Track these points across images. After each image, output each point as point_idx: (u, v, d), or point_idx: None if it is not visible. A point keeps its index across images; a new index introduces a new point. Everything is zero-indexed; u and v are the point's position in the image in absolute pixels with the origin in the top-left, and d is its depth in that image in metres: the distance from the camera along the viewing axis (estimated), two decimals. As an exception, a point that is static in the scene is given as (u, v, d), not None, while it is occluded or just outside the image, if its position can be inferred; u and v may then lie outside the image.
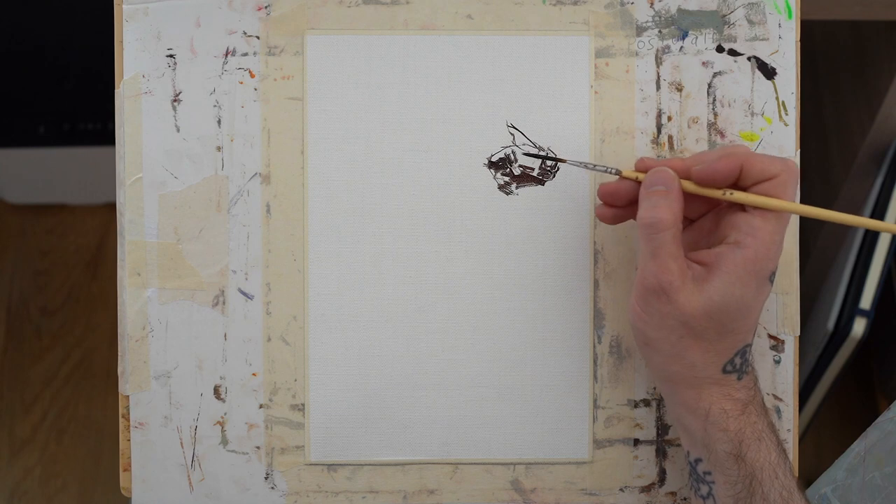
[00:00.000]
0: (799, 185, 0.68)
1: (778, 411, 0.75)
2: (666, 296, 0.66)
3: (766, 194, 0.67)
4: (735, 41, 0.73)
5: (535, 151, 0.73)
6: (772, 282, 0.67)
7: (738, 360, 0.68)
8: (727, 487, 0.67)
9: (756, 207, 0.66)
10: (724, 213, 0.69)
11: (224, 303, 0.74)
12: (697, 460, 0.69)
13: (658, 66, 0.73)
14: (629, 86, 0.73)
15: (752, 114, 0.73)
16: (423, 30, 0.73)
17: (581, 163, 0.71)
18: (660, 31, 0.73)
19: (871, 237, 1.17)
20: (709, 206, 0.70)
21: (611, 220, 0.70)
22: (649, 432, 0.75)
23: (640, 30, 0.73)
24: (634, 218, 0.68)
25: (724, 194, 0.67)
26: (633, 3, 0.73)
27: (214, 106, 0.73)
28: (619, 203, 0.70)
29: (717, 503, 0.68)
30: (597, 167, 0.70)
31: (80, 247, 1.63)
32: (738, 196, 0.67)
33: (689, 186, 0.68)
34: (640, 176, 0.68)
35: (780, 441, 0.69)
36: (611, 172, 0.70)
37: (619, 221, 0.71)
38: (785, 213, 0.67)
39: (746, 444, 0.67)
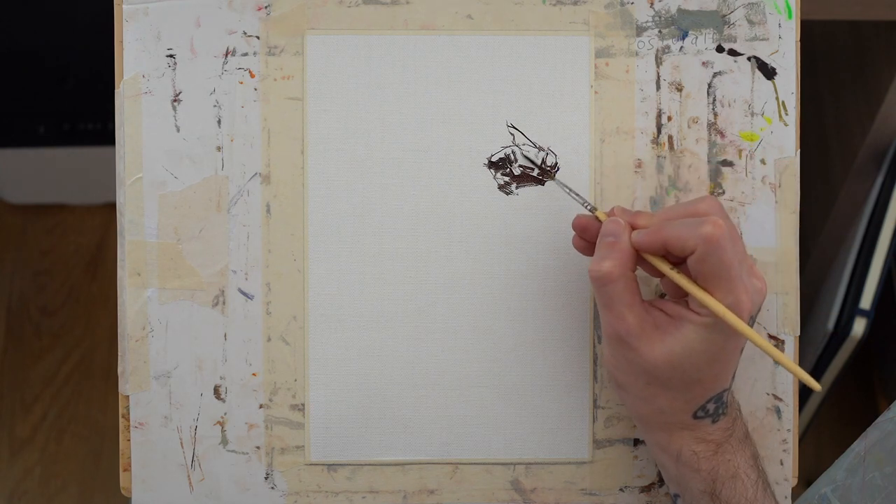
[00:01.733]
0: (730, 242, 0.64)
1: (778, 411, 0.74)
2: (626, 344, 0.66)
3: (693, 269, 0.65)
4: (735, 41, 0.73)
5: (534, 153, 0.73)
6: (752, 323, 0.66)
7: (710, 406, 0.67)
8: None
9: (695, 295, 0.65)
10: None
11: (224, 303, 0.74)
12: (676, 495, 0.70)
13: (658, 66, 0.73)
14: (629, 86, 0.73)
15: (752, 114, 0.73)
16: (423, 30, 0.73)
17: (566, 186, 0.71)
18: (660, 31, 0.73)
19: (871, 237, 1.17)
20: None
21: (585, 252, 0.70)
22: (649, 432, 0.75)
23: (640, 30, 0.73)
24: None
25: (671, 269, 0.66)
26: (633, 3, 0.73)
27: (214, 106, 0.73)
28: (590, 238, 0.69)
29: None
30: (577, 197, 0.71)
31: (80, 247, 1.63)
32: (679, 279, 0.66)
33: (645, 254, 0.67)
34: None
35: (762, 473, 0.68)
36: (586, 208, 0.70)
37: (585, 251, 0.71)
38: (734, 277, 0.64)
39: (720, 483, 0.67)
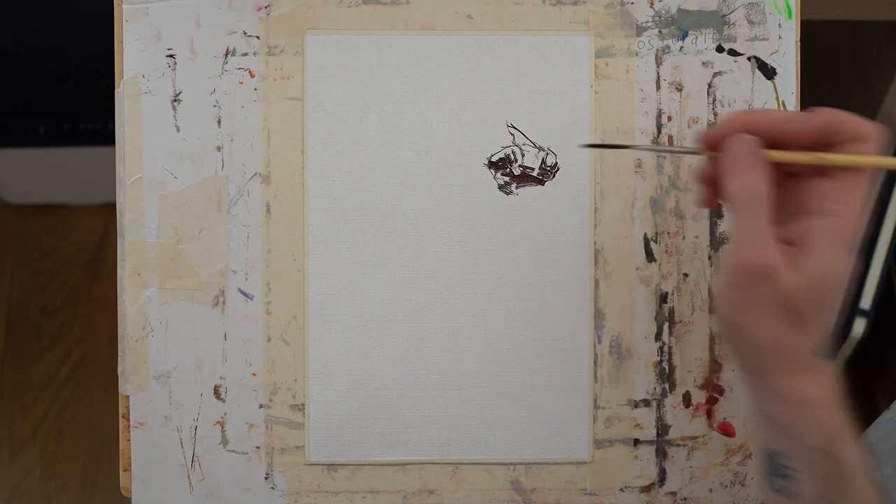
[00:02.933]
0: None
1: (778, 411, 0.74)
2: (767, 278, 0.61)
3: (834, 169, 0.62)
4: (735, 41, 0.73)
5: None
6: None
7: (825, 342, 0.64)
8: (812, 483, 0.64)
9: (845, 168, 0.62)
10: (796, 183, 0.64)
11: (224, 303, 0.74)
12: (776, 452, 0.65)
13: (658, 66, 0.73)
14: (629, 86, 0.73)
15: (752, 114, 0.73)
16: (423, 30, 0.73)
17: (652, 147, 0.69)
18: (660, 31, 0.73)
19: (871, 237, 1.17)
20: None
21: (713, 204, 0.67)
22: (649, 432, 0.75)
23: (640, 30, 0.73)
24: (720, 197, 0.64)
25: (813, 158, 0.62)
26: (633, 3, 0.73)
27: (214, 106, 0.73)
28: (709, 182, 0.65)
29: (797, 497, 0.64)
30: (677, 148, 0.68)
31: (80, 247, 1.63)
32: (833, 158, 0.62)
33: (776, 155, 0.62)
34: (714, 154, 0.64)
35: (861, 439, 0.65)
36: (691, 152, 0.66)
37: (716, 203, 0.67)
38: (872, 175, 0.62)
39: (837, 441, 0.63)
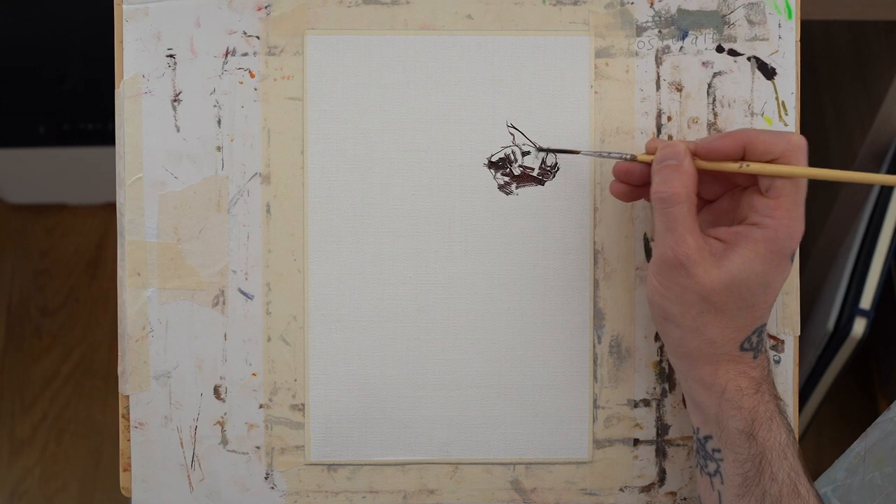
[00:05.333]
0: (807, 158, 0.68)
1: (778, 411, 0.74)
2: (684, 269, 0.66)
3: (766, 182, 0.67)
4: (735, 41, 0.73)
5: (545, 147, 0.73)
6: (792, 260, 0.68)
7: (754, 339, 0.68)
8: (736, 465, 0.68)
9: (773, 177, 0.67)
10: (741, 194, 0.69)
11: (224, 303, 0.74)
12: (707, 437, 0.69)
13: (658, 66, 0.73)
14: (629, 86, 0.73)
15: (752, 114, 0.74)
16: (423, 30, 0.73)
17: (595, 153, 0.72)
18: (660, 31, 0.73)
19: (871, 237, 1.17)
20: (725, 187, 0.70)
21: (625, 198, 0.71)
22: (649, 432, 0.75)
23: (640, 30, 0.73)
24: (647, 198, 0.69)
25: (739, 167, 0.67)
26: (633, 3, 0.73)
27: (214, 106, 0.73)
28: (633, 181, 0.70)
29: (724, 481, 0.68)
30: (612, 154, 0.71)
31: (80, 247, 1.63)
32: (755, 167, 0.67)
33: (705, 163, 0.68)
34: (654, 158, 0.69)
35: (789, 424, 0.69)
36: (626, 158, 0.70)
37: (634, 199, 0.71)
38: (800, 191, 0.67)
39: (759, 424, 0.67)
